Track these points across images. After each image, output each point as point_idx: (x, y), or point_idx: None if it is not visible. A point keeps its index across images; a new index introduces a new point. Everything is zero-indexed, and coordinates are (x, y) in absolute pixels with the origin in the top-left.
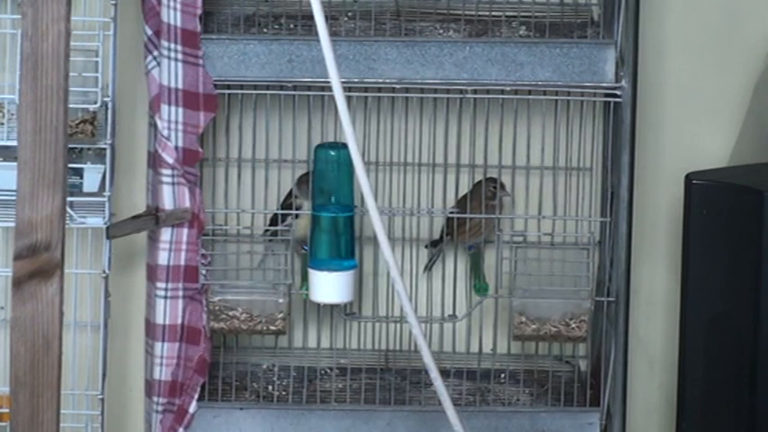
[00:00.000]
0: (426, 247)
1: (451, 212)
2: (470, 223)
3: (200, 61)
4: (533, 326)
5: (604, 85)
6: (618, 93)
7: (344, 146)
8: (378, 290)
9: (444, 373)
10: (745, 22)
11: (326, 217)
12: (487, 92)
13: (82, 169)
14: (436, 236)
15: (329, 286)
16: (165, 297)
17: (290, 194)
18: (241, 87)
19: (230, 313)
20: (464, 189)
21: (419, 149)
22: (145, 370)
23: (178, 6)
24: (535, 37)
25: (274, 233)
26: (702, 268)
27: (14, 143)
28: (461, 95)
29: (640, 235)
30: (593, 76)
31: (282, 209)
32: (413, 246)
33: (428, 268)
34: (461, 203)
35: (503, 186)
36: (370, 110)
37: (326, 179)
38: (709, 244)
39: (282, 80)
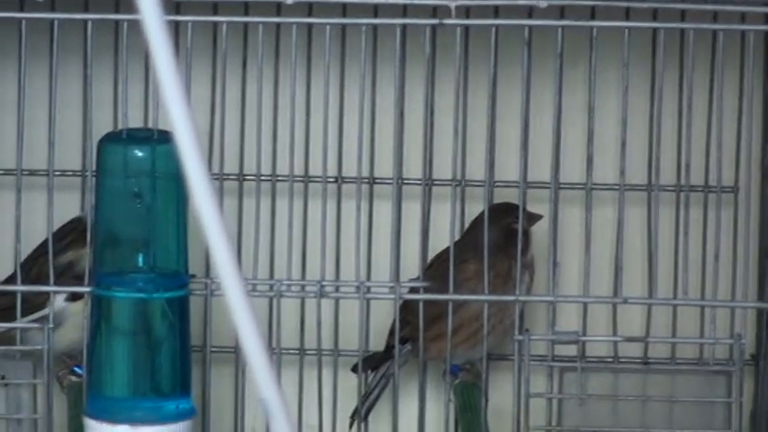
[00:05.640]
0: (355, 370)
1: (412, 288)
2: (459, 314)
3: None
4: None
5: None
6: None
7: (164, 137)
8: None
9: None
10: None
11: (124, 301)
12: (496, 11)
13: None
14: (377, 344)
15: None
16: None
17: (42, 248)
18: None
19: None
20: (444, 237)
21: (337, 145)
22: None
23: None
24: None
25: (6, 338)
26: None
27: None
28: (436, 22)
29: None
30: None
31: (29, 279)
32: (325, 368)
33: (361, 419)
34: (436, 269)
35: (532, 217)
36: (230, 51)
37: (124, 215)
38: None
39: None
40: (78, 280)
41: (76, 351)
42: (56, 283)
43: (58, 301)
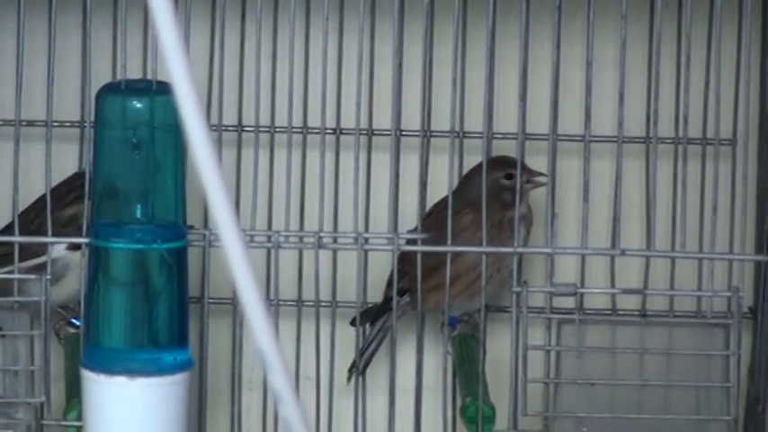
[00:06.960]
0: (353, 324)
1: (410, 240)
2: (456, 265)
3: None
4: None
5: None
6: None
7: (163, 88)
8: (248, 419)
9: None
10: None
11: (122, 252)
12: None
13: None
14: (375, 296)
15: (132, 411)
16: None
17: (40, 202)
18: None
19: None
20: (442, 188)
21: (336, 96)
22: None
23: None
24: None
25: (3, 287)
26: None
27: None
28: None
29: None
30: None
31: (27, 230)
32: (323, 320)
33: (359, 372)
34: (433, 220)
35: (532, 173)
36: (229, 2)
37: (123, 167)
38: None
39: None
40: (82, 232)
41: (75, 302)
42: (58, 234)
43: (59, 250)
